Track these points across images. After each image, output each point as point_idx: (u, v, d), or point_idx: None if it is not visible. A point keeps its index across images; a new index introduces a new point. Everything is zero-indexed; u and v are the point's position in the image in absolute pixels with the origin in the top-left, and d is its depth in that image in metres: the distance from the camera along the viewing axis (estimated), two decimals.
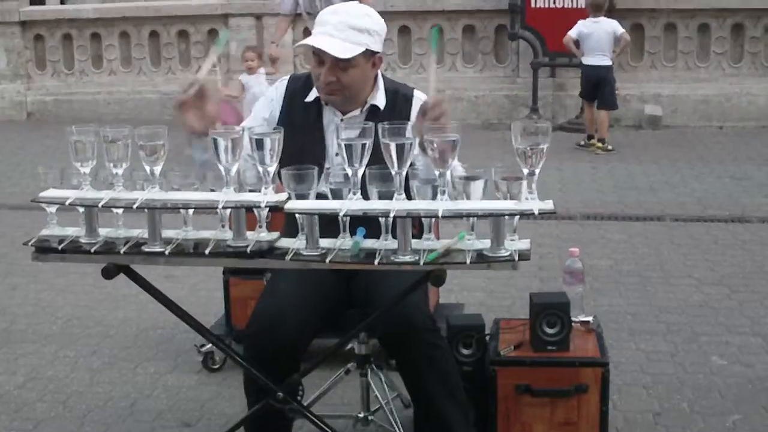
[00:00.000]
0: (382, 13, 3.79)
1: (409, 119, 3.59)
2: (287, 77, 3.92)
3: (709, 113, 12.46)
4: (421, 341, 3.44)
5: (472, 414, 3.69)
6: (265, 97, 3.91)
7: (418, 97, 3.80)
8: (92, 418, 4.51)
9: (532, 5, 12.27)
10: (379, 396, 4.12)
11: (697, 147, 11.20)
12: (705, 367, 4.90)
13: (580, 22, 11.36)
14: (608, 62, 11.28)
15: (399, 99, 3.79)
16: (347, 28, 3.57)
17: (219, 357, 4.95)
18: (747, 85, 12.52)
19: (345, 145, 2.92)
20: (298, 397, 3.45)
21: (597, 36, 11.24)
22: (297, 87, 3.82)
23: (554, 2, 12.20)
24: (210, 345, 4.78)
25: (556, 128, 11.72)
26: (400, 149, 2.86)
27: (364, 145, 2.91)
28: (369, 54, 3.64)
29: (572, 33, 11.33)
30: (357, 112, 3.72)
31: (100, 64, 14.26)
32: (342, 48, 3.54)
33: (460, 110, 12.76)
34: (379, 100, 3.75)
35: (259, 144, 2.94)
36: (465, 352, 3.94)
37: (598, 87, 11.33)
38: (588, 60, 11.29)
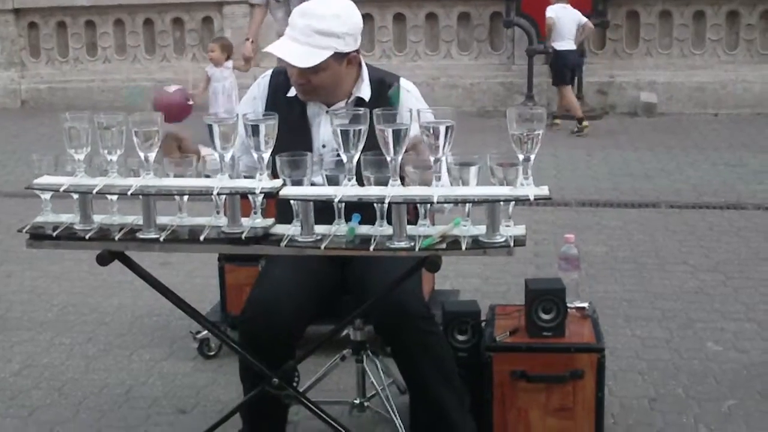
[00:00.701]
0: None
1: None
2: (269, 72, 3.89)
3: (705, 100, 12.47)
4: (416, 328, 3.44)
5: (468, 400, 3.69)
6: (247, 96, 3.88)
7: (404, 87, 3.77)
8: (88, 405, 4.51)
9: None
10: (374, 382, 4.12)
11: (693, 134, 11.21)
12: (700, 353, 4.91)
13: (551, 8, 11.60)
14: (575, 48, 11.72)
15: (384, 88, 3.76)
16: (313, 33, 3.51)
17: (214, 344, 4.95)
18: (742, 72, 12.53)
19: (341, 131, 2.91)
20: (294, 384, 3.45)
21: (566, 22, 11.56)
22: (279, 81, 3.79)
23: None
24: (205, 332, 4.78)
25: (551, 115, 11.74)
26: (396, 135, 2.86)
27: (359, 131, 2.90)
28: (340, 56, 3.58)
29: (552, 15, 11.55)
30: (342, 104, 3.70)
31: (94, 52, 14.25)
32: (305, 56, 3.50)
33: (455, 98, 12.78)
34: (364, 91, 3.72)
35: (254, 130, 2.94)
36: (460, 338, 3.94)
37: (573, 71, 11.71)
38: (562, 45, 11.59)
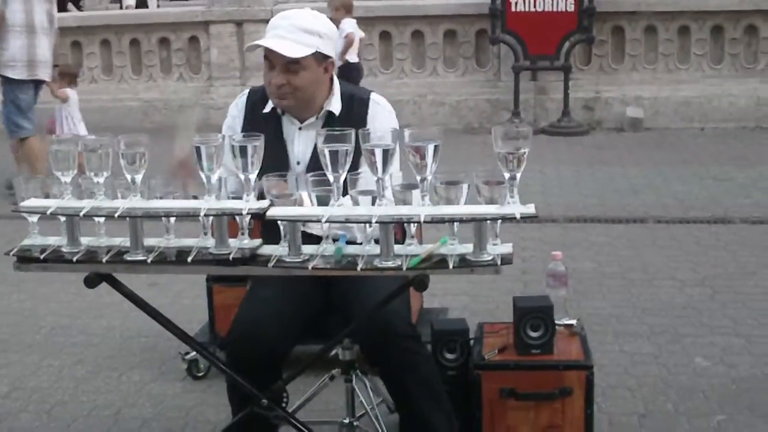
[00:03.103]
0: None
1: (365, 124, 3.64)
2: (246, 92, 3.95)
3: (690, 115, 12.50)
4: (402, 348, 3.44)
5: (457, 419, 3.69)
6: (227, 117, 3.92)
7: (375, 101, 3.82)
8: (77, 428, 4.49)
9: (513, 9, 12.29)
10: (364, 402, 4.12)
11: (679, 148, 11.24)
12: (689, 368, 4.92)
13: (350, 23, 11.79)
14: None
15: (355, 103, 3.80)
16: (297, 30, 3.61)
17: (203, 364, 4.94)
18: (727, 87, 12.57)
19: (329, 151, 2.92)
20: (283, 404, 3.45)
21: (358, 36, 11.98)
22: (256, 99, 3.85)
23: (535, 6, 12.21)
24: (194, 352, 4.77)
25: (538, 132, 11.78)
26: (385, 155, 2.87)
27: (347, 151, 2.91)
28: (320, 57, 3.67)
29: (351, 30, 11.79)
30: (313, 119, 3.75)
31: (81, 72, 14.21)
32: (292, 48, 3.58)
33: (441, 115, 12.80)
34: (335, 105, 3.77)
35: (242, 151, 2.94)
36: (449, 356, 3.94)
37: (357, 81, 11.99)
38: (356, 58, 11.94)
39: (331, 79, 3.81)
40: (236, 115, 3.86)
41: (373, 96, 3.86)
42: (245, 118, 3.82)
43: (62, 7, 17.09)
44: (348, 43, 11.75)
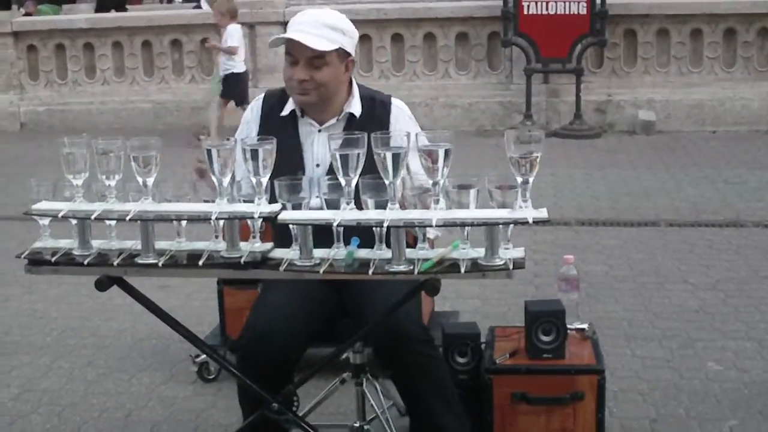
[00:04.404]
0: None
1: (387, 127, 3.64)
2: (261, 96, 3.95)
3: (703, 118, 12.46)
4: (415, 351, 3.44)
5: (468, 423, 3.68)
6: (242, 120, 3.94)
7: (396, 105, 3.82)
8: (87, 430, 4.50)
9: (525, 12, 12.25)
10: (374, 405, 4.11)
11: (691, 152, 11.20)
12: (701, 372, 4.90)
13: (235, 29, 11.99)
14: None
15: (377, 106, 3.81)
16: (322, 26, 3.62)
17: (214, 367, 4.94)
18: (740, 90, 12.53)
19: (340, 155, 2.92)
20: (294, 408, 3.45)
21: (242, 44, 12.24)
22: (272, 103, 3.85)
23: (547, 9, 12.18)
24: (205, 355, 4.77)
25: (550, 134, 11.74)
26: (396, 158, 2.86)
27: (358, 155, 2.91)
28: (343, 54, 3.69)
29: (238, 42, 12.04)
30: (333, 120, 3.75)
31: (93, 74, 14.23)
32: (318, 42, 3.59)
33: (453, 117, 12.77)
34: (355, 107, 3.77)
35: (253, 155, 2.94)
36: (460, 360, 3.94)
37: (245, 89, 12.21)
38: (243, 67, 12.14)
39: (350, 80, 3.81)
40: (251, 119, 3.87)
41: (394, 100, 3.87)
42: (261, 121, 3.82)
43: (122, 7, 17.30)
44: (229, 51, 12.01)
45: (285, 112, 3.80)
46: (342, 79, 3.74)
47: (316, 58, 3.61)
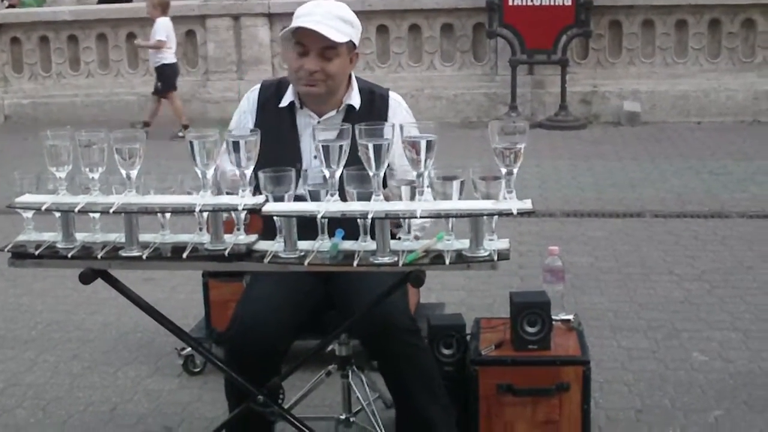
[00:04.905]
0: (359, 13, 3.80)
1: (386, 119, 3.62)
2: (257, 86, 3.91)
3: (688, 109, 12.50)
4: (401, 341, 3.44)
5: (454, 413, 3.68)
6: (237, 111, 3.90)
7: (394, 98, 3.82)
8: (73, 424, 4.48)
9: (510, 3, 12.25)
10: (360, 397, 4.11)
11: (676, 143, 11.23)
12: (686, 363, 4.91)
13: (163, 22, 12.29)
14: None
15: (375, 98, 3.80)
16: (334, 17, 3.60)
17: (199, 360, 4.93)
18: (725, 81, 12.56)
19: (322, 146, 2.92)
20: (279, 400, 3.44)
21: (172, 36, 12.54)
22: (269, 94, 3.82)
23: (532, 0, 12.19)
24: (190, 348, 4.76)
25: (535, 126, 11.76)
26: (378, 150, 2.85)
27: (341, 147, 2.91)
28: (351, 47, 3.69)
29: (165, 34, 12.34)
30: (333, 112, 3.73)
31: (77, 67, 14.20)
32: (333, 33, 3.57)
33: (438, 109, 12.78)
34: (354, 99, 3.76)
35: (235, 146, 2.93)
36: (446, 352, 3.93)
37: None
38: (174, 58, 12.49)
39: (350, 74, 3.81)
40: (247, 110, 3.83)
41: (392, 93, 3.87)
42: (257, 111, 3.80)
43: None
44: (156, 46, 12.27)
45: (284, 103, 3.77)
46: (347, 71, 3.74)
47: (329, 49, 3.60)
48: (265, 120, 3.68)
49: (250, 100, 3.86)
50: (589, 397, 3.83)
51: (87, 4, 15.63)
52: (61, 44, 14.15)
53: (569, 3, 12.09)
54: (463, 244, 2.92)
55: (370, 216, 2.85)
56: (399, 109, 3.81)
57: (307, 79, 3.64)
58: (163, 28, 12.28)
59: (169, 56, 12.41)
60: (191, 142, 2.92)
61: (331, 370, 4.11)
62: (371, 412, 4.04)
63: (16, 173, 3.12)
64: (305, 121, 3.75)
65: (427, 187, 2.92)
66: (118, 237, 3.07)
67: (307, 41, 3.59)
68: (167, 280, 6.31)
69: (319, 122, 3.71)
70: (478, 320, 4.18)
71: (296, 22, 3.60)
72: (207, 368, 4.90)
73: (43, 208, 2.99)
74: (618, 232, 7.46)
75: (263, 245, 3.02)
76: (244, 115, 3.83)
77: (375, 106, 3.77)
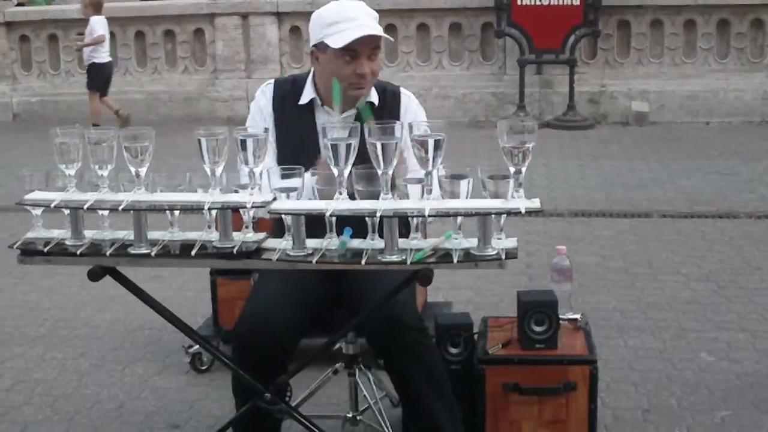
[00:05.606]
0: None
1: (399, 117, 3.62)
2: (271, 82, 3.89)
3: (696, 109, 12.48)
4: (409, 339, 3.43)
5: (460, 412, 3.68)
6: (253, 108, 3.85)
7: (406, 94, 3.84)
8: (80, 421, 4.49)
9: (518, 2, 12.26)
10: (367, 396, 4.11)
11: (684, 143, 11.22)
12: (693, 363, 4.91)
13: (99, 20, 12.50)
14: None
15: (388, 96, 3.82)
16: (371, 18, 3.64)
17: (207, 358, 4.93)
18: (733, 81, 12.55)
19: (331, 145, 2.92)
20: (286, 398, 3.44)
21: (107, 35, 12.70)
22: (285, 91, 3.81)
23: (540, 0, 12.20)
24: (198, 346, 4.77)
25: (543, 125, 11.77)
26: (387, 149, 2.86)
27: (348, 145, 2.90)
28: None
29: (104, 33, 12.57)
30: (354, 110, 3.69)
31: (85, 65, 14.21)
32: (382, 32, 3.62)
33: (447, 108, 12.78)
34: (373, 96, 3.76)
35: (242, 145, 2.94)
36: (453, 350, 3.93)
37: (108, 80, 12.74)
38: (107, 58, 12.65)
39: None
40: (264, 106, 3.81)
41: (403, 90, 3.88)
42: (274, 108, 3.79)
43: None
44: (97, 41, 12.38)
45: (304, 100, 3.76)
46: None
47: (376, 49, 3.62)
48: (286, 117, 3.69)
49: (266, 94, 3.83)
50: (596, 397, 3.83)
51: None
52: (69, 42, 14.16)
53: (578, 3, 12.09)
54: (471, 242, 2.92)
55: (378, 214, 2.85)
56: (411, 104, 3.83)
57: (358, 82, 3.63)
58: (101, 25, 12.41)
59: (101, 55, 12.49)
60: (199, 140, 2.92)
61: (338, 368, 4.11)
62: (378, 410, 4.04)
63: (26, 170, 3.13)
64: (325, 118, 3.74)
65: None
66: (126, 234, 3.07)
67: (360, 47, 3.57)
68: (175, 278, 6.32)
69: (344, 118, 3.63)
70: (485, 319, 4.18)
71: (353, 32, 3.55)
72: (214, 366, 4.91)
73: (53, 205, 2.99)
74: (626, 232, 7.46)
75: (271, 243, 3.03)
76: (261, 112, 3.78)
77: (388, 103, 3.78)
